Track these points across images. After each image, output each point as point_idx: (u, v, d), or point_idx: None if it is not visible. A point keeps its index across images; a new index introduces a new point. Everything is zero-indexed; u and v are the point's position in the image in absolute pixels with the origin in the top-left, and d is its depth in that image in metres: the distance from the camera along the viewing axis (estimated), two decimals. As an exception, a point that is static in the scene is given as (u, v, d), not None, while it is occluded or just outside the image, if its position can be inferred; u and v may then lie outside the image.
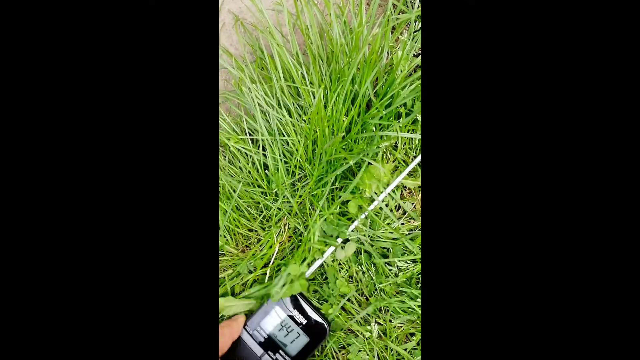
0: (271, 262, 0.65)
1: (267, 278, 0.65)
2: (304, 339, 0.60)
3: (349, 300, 0.65)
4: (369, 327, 0.63)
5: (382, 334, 0.64)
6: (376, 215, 0.63)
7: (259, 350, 0.59)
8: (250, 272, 0.65)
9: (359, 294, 0.65)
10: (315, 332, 0.60)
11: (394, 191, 0.63)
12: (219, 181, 0.66)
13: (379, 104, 0.59)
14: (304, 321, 0.60)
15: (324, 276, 0.65)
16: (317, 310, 0.61)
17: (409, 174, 0.63)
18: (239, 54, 0.75)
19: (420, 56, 0.62)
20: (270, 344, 0.59)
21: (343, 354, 0.65)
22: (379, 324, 0.64)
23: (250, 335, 0.59)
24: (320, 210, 0.62)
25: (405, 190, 0.65)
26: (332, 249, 0.62)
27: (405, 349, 0.63)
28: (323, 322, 0.60)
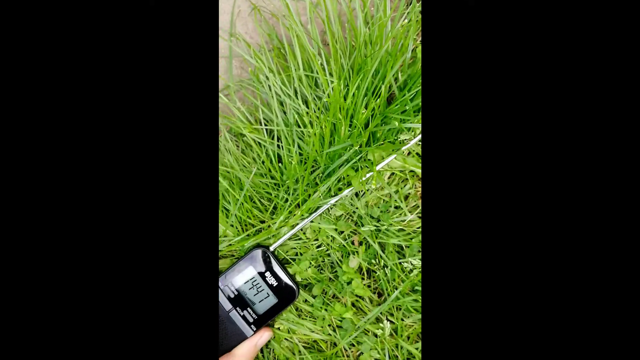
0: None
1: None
2: (272, 300, 0.61)
3: (361, 298, 0.63)
4: (381, 325, 0.62)
5: (393, 332, 0.63)
6: (385, 211, 0.62)
7: (227, 305, 0.61)
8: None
9: (371, 292, 0.64)
10: (284, 294, 0.61)
11: (406, 179, 0.62)
12: (228, 172, 0.64)
13: (401, 98, 0.58)
14: (275, 282, 0.61)
15: (334, 269, 0.64)
16: (288, 273, 0.62)
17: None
18: (254, 42, 0.74)
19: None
20: (239, 300, 0.61)
21: (352, 352, 0.64)
22: (391, 322, 0.63)
23: (221, 290, 0.61)
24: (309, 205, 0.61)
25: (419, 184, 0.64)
26: (312, 216, 0.61)
27: (417, 348, 0.62)
28: (293, 285, 0.61)
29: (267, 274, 0.61)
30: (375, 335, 0.63)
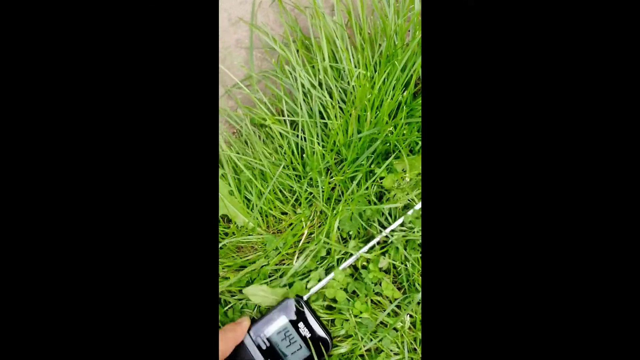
0: (299, 245, 0.63)
1: (295, 260, 0.63)
2: (305, 352, 0.59)
3: (380, 295, 0.63)
4: (401, 319, 0.62)
5: (412, 326, 0.63)
6: (418, 218, 0.62)
7: (259, 357, 0.59)
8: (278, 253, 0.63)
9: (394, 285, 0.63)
10: (317, 347, 0.59)
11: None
12: (250, 163, 0.64)
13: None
14: (308, 334, 0.59)
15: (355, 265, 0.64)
16: (321, 323, 0.60)
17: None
18: (275, 34, 0.73)
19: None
20: (271, 352, 0.59)
21: (372, 346, 0.64)
22: (411, 315, 0.62)
23: (252, 340, 0.59)
24: (347, 201, 0.61)
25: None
26: (331, 275, 0.61)
27: (436, 343, 0.61)
28: (326, 336, 0.60)
29: (300, 324, 0.59)
30: (395, 330, 0.63)
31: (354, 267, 0.64)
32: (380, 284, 0.63)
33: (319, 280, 0.62)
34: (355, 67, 0.61)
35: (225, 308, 0.63)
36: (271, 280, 0.63)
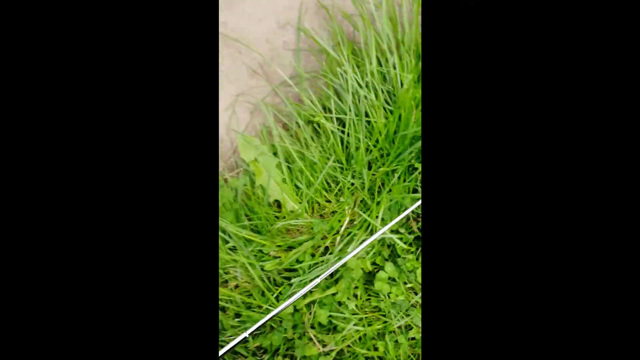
0: (342, 230, 0.70)
1: (337, 246, 0.69)
2: None
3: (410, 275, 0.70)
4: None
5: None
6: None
7: None
8: (323, 238, 0.70)
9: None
10: None
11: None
12: (301, 155, 0.70)
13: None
14: None
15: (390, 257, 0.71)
16: None
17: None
18: (319, 39, 0.80)
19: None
20: None
21: (402, 324, 0.70)
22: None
23: None
24: (390, 190, 0.68)
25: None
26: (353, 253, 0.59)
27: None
28: None
29: None
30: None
31: (394, 253, 0.71)
32: (415, 272, 0.70)
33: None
34: (401, 72, 0.68)
35: (277, 292, 0.69)
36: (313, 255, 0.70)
